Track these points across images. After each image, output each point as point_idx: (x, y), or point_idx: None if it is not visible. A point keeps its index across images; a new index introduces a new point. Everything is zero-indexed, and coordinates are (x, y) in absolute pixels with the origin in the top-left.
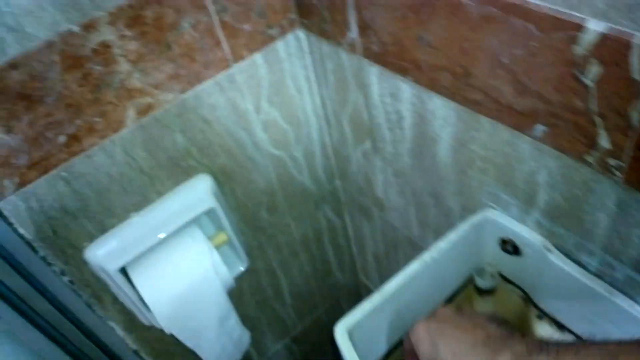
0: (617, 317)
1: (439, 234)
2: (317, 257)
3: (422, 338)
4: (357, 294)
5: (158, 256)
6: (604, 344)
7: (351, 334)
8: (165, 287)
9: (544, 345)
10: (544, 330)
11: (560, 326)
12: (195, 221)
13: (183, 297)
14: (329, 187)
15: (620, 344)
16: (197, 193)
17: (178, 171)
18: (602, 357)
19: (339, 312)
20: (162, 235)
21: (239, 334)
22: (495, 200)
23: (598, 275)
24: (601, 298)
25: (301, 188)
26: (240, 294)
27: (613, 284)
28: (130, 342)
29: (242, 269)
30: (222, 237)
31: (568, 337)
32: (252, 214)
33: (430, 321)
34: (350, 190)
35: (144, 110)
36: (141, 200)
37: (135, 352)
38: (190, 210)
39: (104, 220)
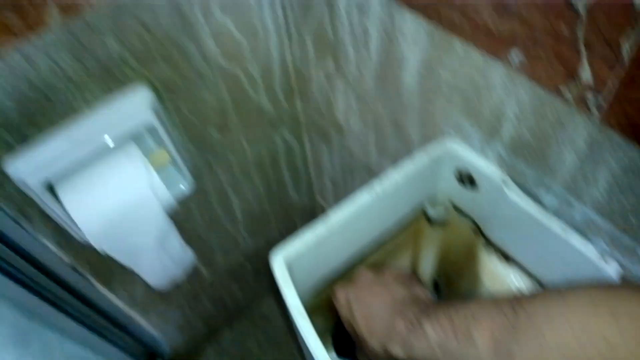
0: (568, 256)
1: (397, 162)
2: (272, 179)
3: (342, 304)
4: (314, 215)
5: (89, 173)
6: (499, 301)
7: (290, 264)
8: (95, 206)
9: (443, 304)
10: (490, 261)
11: (508, 258)
12: (134, 138)
13: (116, 217)
14: (288, 107)
15: (516, 299)
16: (133, 106)
17: (111, 81)
18: (495, 312)
19: (294, 232)
20: (90, 149)
21: (180, 254)
22: (458, 130)
23: (555, 213)
24: (555, 237)
25: (257, 107)
26: (188, 213)
27: (569, 222)
28: (66, 259)
29: (184, 189)
30: (162, 155)
31: (515, 268)
32: (200, 133)
33: (348, 287)
34: (310, 112)
35: (69, 10)
36: (68, 111)
37: (73, 269)
38: (124, 124)
39: (25, 132)
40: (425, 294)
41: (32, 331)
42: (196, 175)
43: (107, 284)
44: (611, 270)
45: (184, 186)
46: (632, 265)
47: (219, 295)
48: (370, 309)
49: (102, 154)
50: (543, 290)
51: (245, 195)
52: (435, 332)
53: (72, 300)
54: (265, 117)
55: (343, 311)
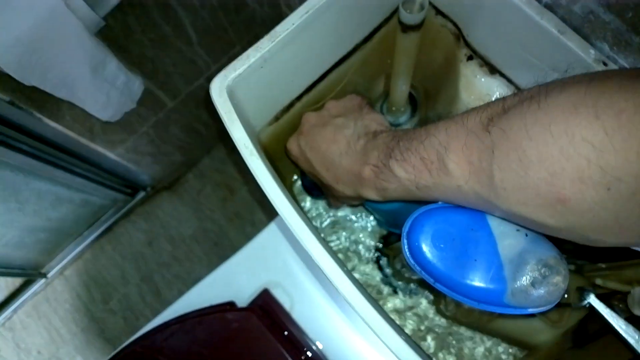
0: (563, 61)
1: None
2: None
3: (297, 155)
4: None
5: None
6: (468, 123)
7: (233, 91)
8: (1, 29)
9: (403, 137)
10: (472, 72)
11: (492, 69)
12: None
13: (30, 41)
14: None
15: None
16: None
17: None
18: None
19: None
20: None
21: (123, 81)
22: None
23: (550, 8)
24: (549, 37)
25: None
26: (128, 32)
27: (567, 19)
28: (1, 95)
29: (114, 2)
30: None
31: (498, 81)
32: None
33: (299, 137)
34: None
35: None
36: None
37: (11, 103)
38: None
39: None
40: (377, 120)
41: None
42: None
43: (56, 118)
44: None
45: None
46: None
47: (189, 124)
48: (326, 156)
49: None
50: (514, 97)
51: (194, 6)
52: (406, 171)
53: (19, 136)
54: None
55: (300, 163)
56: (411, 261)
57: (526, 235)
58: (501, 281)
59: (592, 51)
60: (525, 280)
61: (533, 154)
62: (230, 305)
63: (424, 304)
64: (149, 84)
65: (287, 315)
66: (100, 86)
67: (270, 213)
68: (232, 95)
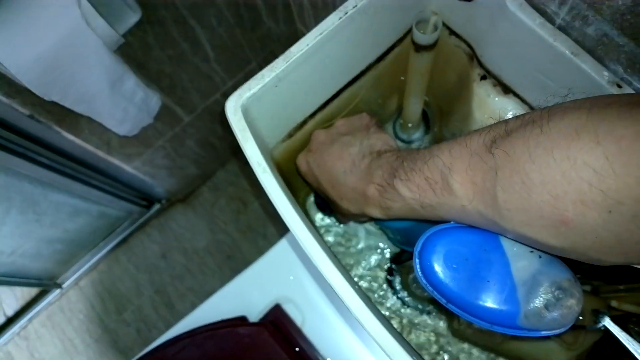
0: (577, 82)
1: None
2: (240, 2)
3: (305, 171)
4: None
5: (9, 8)
6: (471, 145)
7: (248, 110)
8: (24, 47)
9: (407, 157)
10: (485, 92)
11: (506, 89)
12: None
13: (52, 58)
14: None
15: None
16: None
17: None
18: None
19: None
20: None
21: (142, 97)
22: None
23: (564, 30)
24: (562, 58)
25: None
26: (147, 49)
27: (580, 41)
28: (20, 107)
29: (132, 21)
30: None
31: (512, 100)
32: None
33: (307, 154)
34: None
35: None
36: None
37: (32, 117)
38: None
39: None
40: (383, 139)
41: (10, 186)
42: (145, 1)
43: (75, 132)
44: None
45: (128, 15)
46: None
47: (204, 138)
48: (332, 173)
49: None
50: (516, 120)
51: (211, 25)
52: (410, 190)
53: (39, 149)
54: None
55: (308, 179)
56: (423, 281)
57: (540, 257)
58: (514, 303)
59: (606, 73)
60: (538, 302)
61: (536, 177)
62: (241, 320)
63: (436, 322)
64: (166, 99)
65: (298, 331)
66: (118, 102)
67: (282, 227)
68: (246, 114)
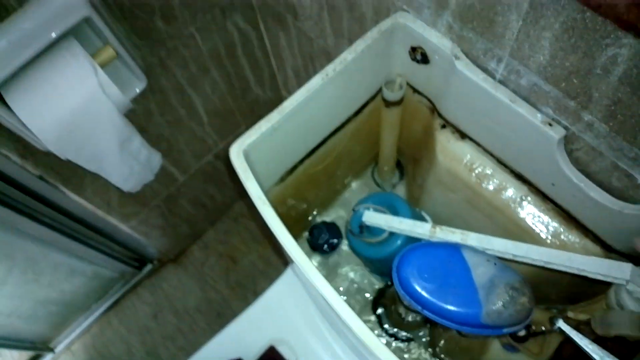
0: (517, 124)
1: (353, 43)
2: (232, 73)
3: None
4: None
5: (35, 77)
6: None
7: (248, 155)
8: (47, 110)
9: None
10: (446, 138)
11: (462, 135)
12: (73, 35)
13: (71, 120)
14: None
15: None
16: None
17: None
18: None
19: None
20: (32, 49)
21: (146, 156)
22: (409, 3)
23: (503, 82)
24: (503, 105)
25: None
26: (149, 115)
27: (517, 91)
28: (31, 169)
29: (137, 86)
30: (107, 52)
31: (468, 144)
32: (145, 25)
33: None
34: None
35: None
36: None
37: (41, 178)
38: (60, 19)
39: None
40: None
41: (14, 244)
42: (149, 72)
43: (79, 191)
44: (555, 134)
45: (139, 85)
46: (576, 128)
47: (196, 197)
48: None
49: (45, 56)
50: None
51: (206, 93)
52: None
53: (45, 209)
54: (214, 2)
55: None
56: (402, 292)
57: (495, 264)
58: (477, 304)
59: (539, 115)
60: (497, 301)
61: None
62: None
63: (418, 350)
64: (164, 161)
65: None
66: (126, 160)
67: (273, 277)
68: (247, 158)
